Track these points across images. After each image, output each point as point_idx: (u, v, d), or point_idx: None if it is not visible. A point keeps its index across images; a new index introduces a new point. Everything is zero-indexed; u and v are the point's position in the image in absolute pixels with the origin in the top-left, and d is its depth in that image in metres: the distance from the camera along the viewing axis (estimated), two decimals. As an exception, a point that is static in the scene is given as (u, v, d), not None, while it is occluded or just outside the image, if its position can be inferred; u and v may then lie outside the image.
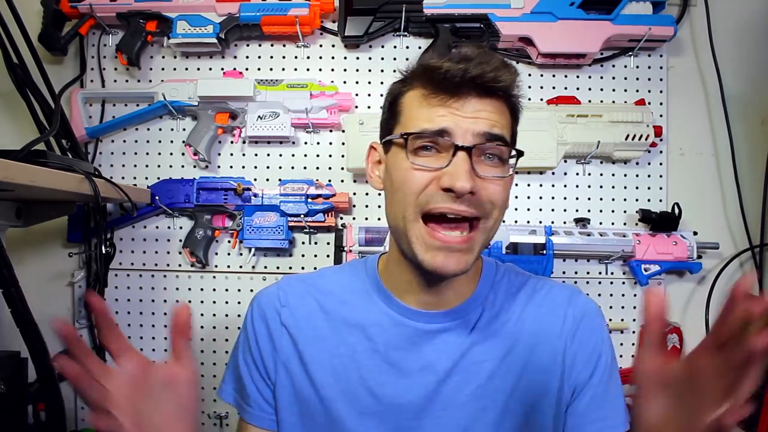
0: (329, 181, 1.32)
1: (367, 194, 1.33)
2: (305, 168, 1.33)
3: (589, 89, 1.33)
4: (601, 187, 1.33)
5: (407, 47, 1.34)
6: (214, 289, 1.33)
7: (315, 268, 1.31)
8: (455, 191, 0.67)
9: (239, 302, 1.32)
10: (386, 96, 0.78)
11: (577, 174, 1.33)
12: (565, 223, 1.32)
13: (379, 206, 1.32)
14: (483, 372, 0.75)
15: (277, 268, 1.33)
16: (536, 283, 0.82)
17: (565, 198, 1.33)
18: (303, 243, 1.33)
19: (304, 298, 0.82)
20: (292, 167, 1.33)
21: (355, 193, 1.32)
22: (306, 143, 1.34)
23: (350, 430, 0.75)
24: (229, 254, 1.33)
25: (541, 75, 1.33)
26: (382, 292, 0.79)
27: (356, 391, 0.76)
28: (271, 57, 1.34)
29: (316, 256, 1.33)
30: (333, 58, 1.34)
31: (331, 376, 0.77)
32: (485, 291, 0.79)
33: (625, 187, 1.33)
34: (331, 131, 1.34)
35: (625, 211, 1.33)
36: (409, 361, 0.76)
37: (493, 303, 0.79)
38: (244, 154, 1.34)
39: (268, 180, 1.33)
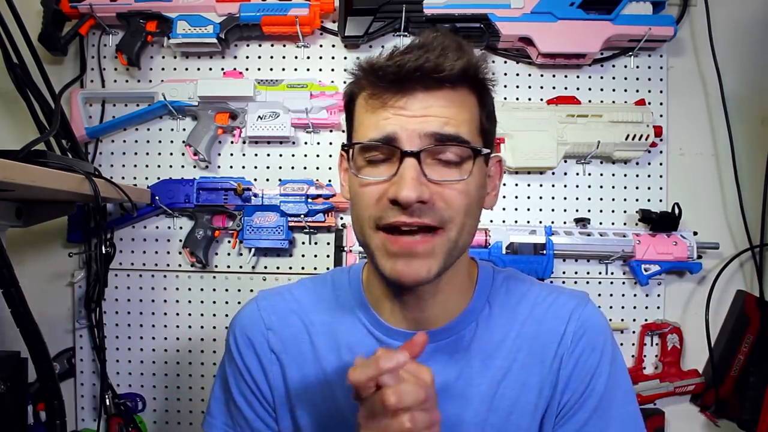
0: (329, 181, 1.32)
1: (367, 194, 1.33)
2: (305, 168, 1.33)
3: (589, 89, 1.33)
4: (601, 187, 1.33)
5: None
6: (214, 289, 1.33)
7: (315, 269, 1.32)
8: (400, 202, 0.61)
9: (239, 302, 1.32)
10: (343, 97, 0.73)
11: (577, 174, 1.33)
12: (565, 223, 1.32)
13: (379, 206, 1.32)
14: (479, 396, 0.70)
15: (277, 268, 1.33)
16: (538, 293, 0.75)
17: (565, 198, 1.33)
18: (303, 243, 1.33)
19: (288, 319, 0.76)
20: (292, 167, 1.33)
21: (355, 193, 1.32)
22: (306, 143, 1.33)
23: None
24: (229, 254, 1.33)
25: (541, 75, 1.33)
26: (367, 311, 0.74)
27: (345, 420, 0.71)
28: (271, 57, 1.34)
29: (316, 256, 1.32)
30: (333, 58, 1.34)
31: (314, 407, 0.73)
32: (480, 304, 0.73)
33: (625, 187, 1.33)
34: (331, 131, 1.33)
35: (625, 211, 1.33)
36: None
37: (489, 318, 0.73)
38: (244, 154, 1.34)
39: (268, 180, 1.33)
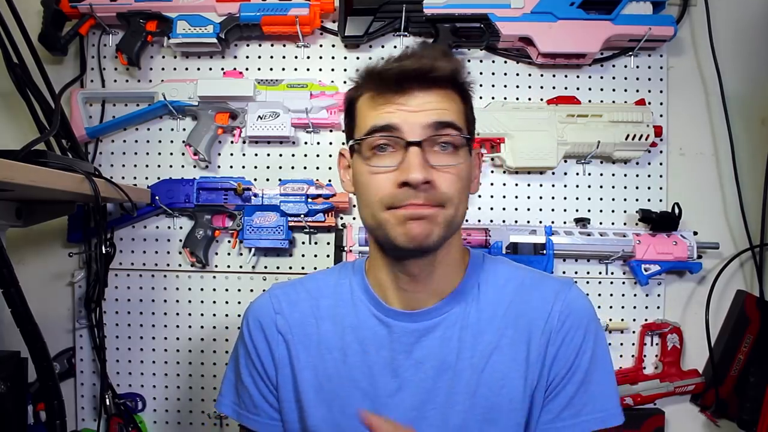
0: (329, 181, 1.32)
1: (367, 194, 1.33)
2: (305, 168, 1.33)
3: (589, 89, 1.33)
4: (601, 187, 1.33)
5: (407, 47, 1.32)
6: (214, 289, 1.33)
7: (315, 268, 1.32)
8: (410, 183, 0.69)
9: (239, 302, 1.32)
10: (344, 103, 0.82)
11: (577, 174, 1.33)
12: (565, 223, 1.32)
13: (379, 206, 1.32)
14: (470, 369, 0.75)
15: (277, 268, 1.33)
16: (525, 275, 0.81)
17: (565, 198, 1.33)
18: (303, 243, 1.33)
19: (297, 305, 0.83)
20: (292, 167, 1.33)
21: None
22: (306, 143, 1.34)
23: None
24: (229, 254, 1.33)
25: (541, 75, 1.33)
26: (369, 294, 0.81)
27: (348, 394, 0.77)
28: (271, 57, 1.34)
29: (316, 256, 1.32)
30: (333, 58, 1.34)
31: (318, 385, 0.78)
32: (470, 284, 0.79)
33: (625, 187, 1.33)
34: (331, 131, 1.33)
35: (625, 211, 1.33)
36: (399, 362, 0.77)
37: (478, 297, 0.79)
38: (244, 154, 1.34)
39: (268, 180, 1.33)
